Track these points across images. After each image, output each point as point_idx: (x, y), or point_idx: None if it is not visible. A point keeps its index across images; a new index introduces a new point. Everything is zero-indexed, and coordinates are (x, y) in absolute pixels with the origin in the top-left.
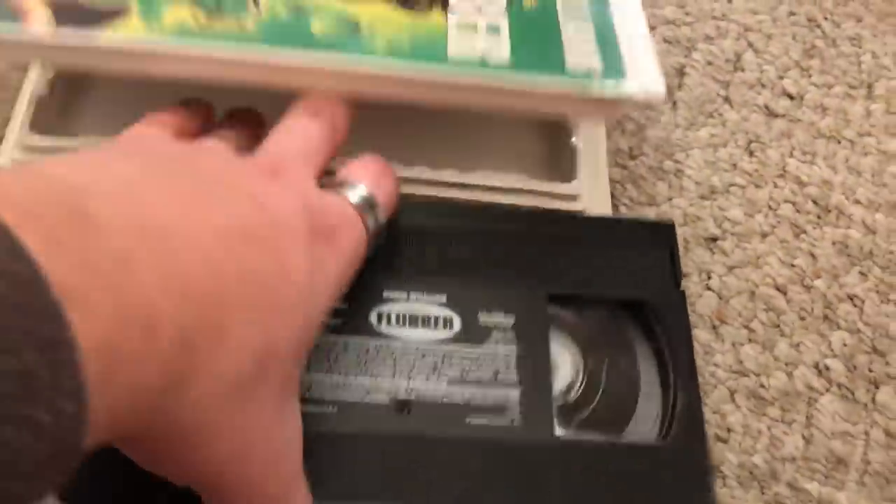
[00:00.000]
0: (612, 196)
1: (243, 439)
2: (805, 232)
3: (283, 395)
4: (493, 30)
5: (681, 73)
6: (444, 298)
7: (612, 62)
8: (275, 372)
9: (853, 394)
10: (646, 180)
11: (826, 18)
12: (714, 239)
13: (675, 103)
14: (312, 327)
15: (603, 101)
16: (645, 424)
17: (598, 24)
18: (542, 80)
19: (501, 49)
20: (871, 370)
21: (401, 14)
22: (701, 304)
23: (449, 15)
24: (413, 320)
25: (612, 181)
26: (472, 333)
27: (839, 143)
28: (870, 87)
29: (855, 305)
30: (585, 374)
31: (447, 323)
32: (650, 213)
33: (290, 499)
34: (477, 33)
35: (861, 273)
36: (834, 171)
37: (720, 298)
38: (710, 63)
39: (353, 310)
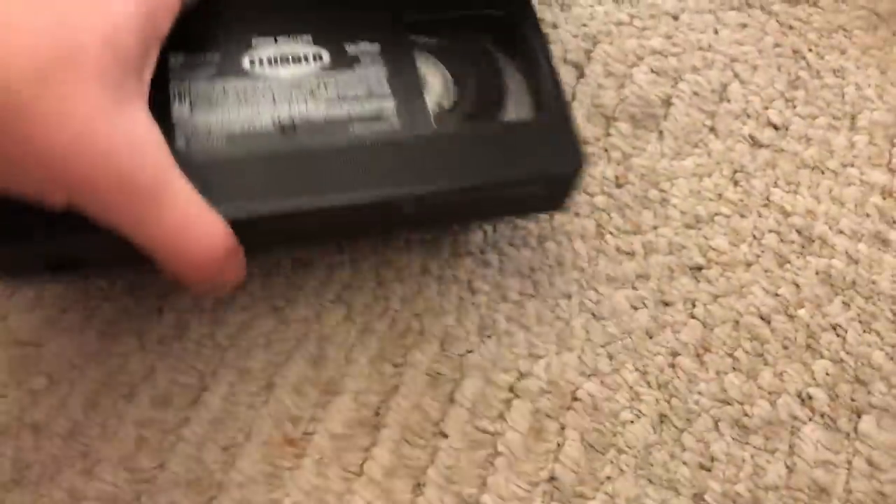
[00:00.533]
0: (597, 222)
1: (72, 127)
2: (789, 262)
3: (108, 91)
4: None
5: (667, 103)
6: (309, 38)
7: None
8: (84, 63)
9: (836, 423)
10: (631, 209)
11: (810, 50)
12: (699, 268)
13: (661, 133)
14: (124, 27)
15: None
16: (516, 114)
17: None
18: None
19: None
20: (853, 399)
21: None
22: (686, 332)
23: None
24: (284, 59)
25: (598, 209)
26: (342, 62)
27: (823, 173)
28: (853, 118)
29: (838, 335)
30: (455, 85)
31: (316, 57)
32: (636, 242)
33: (165, 187)
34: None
35: (844, 303)
36: (818, 202)
37: (704, 327)
38: (696, 93)
39: (224, 58)
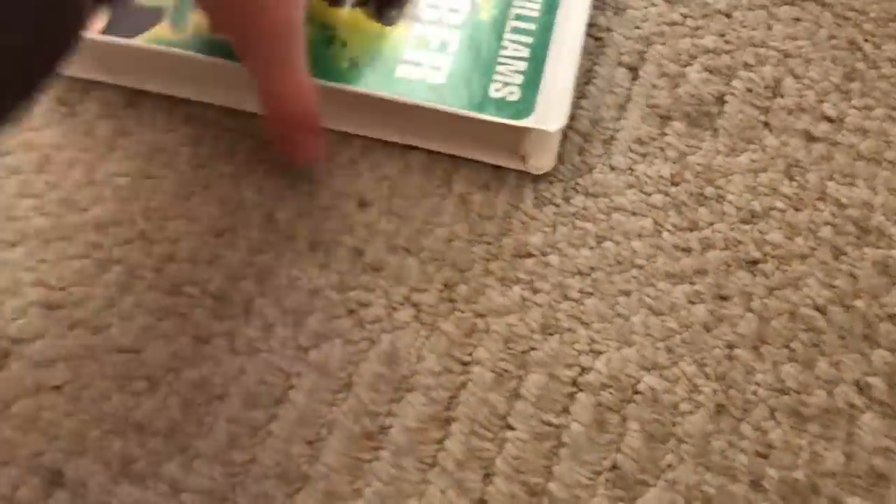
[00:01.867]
0: (654, 220)
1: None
2: (845, 253)
3: None
4: (442, 48)
5: (721, 100)
6: None
7: (527, 99)
8: None
9: (894, 410)
10: (687, 206)
11: (866, 41)
12: (755, 262)
13: (715, 130)
14: None
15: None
16: None
17: (531, 58)
18: (462, 103)
19: (440, 71)
20: None
21: (373, 26)
22: (742, 325)
23: (416, 25)
24: None
25: (655, 208)
26: None
27: (880, 164)
28: None
29: (895, 324)
30: None
31: None
32: (692, 239)
33: (300, 56)
34: (427, 51)
35: None
36: (874, 193)
37: (761, 319)
38: (749, 90)
39: None
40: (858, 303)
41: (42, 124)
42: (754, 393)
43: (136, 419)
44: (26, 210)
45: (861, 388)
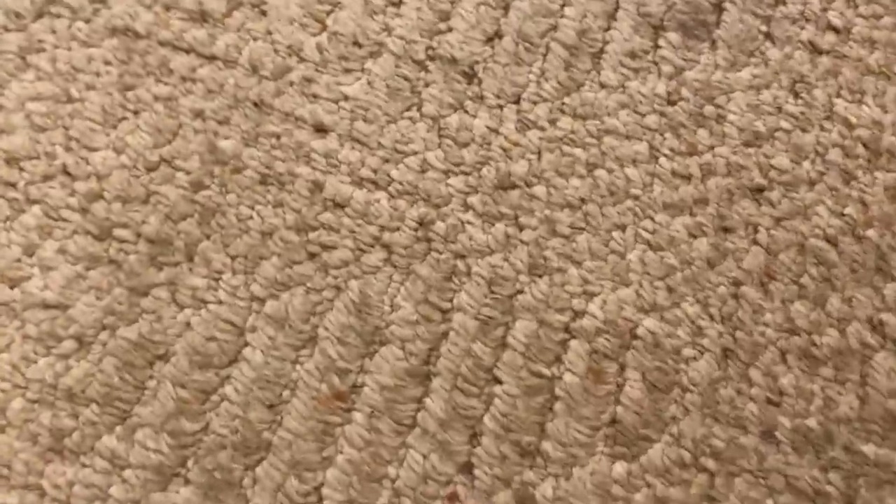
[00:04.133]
0: (649, 144)
1: None
2: (855, 178)
3: None
4: None
5: (719, 8)
6: None
7: None
8: None
9: None
10: (686, 128)
11: None
12: (760, 189)
13: (714, 42)
14: None
15: None
16: None
17: None
18: None
19: None
20: None
21: None
22: (748, 259)
23: None
24: None
25: (650, 130)
26: None
27: (890, 79)
28: None
29: None
30: None
31: None
32: (692, 164)
33: None
34: None
35: None
36: (884, 111)
37: (768, 253)
38: None
39: None
40: (871, 232)
41: None
42: (762, 334)
43: (65, 385)
44: None
45: (874, 325)
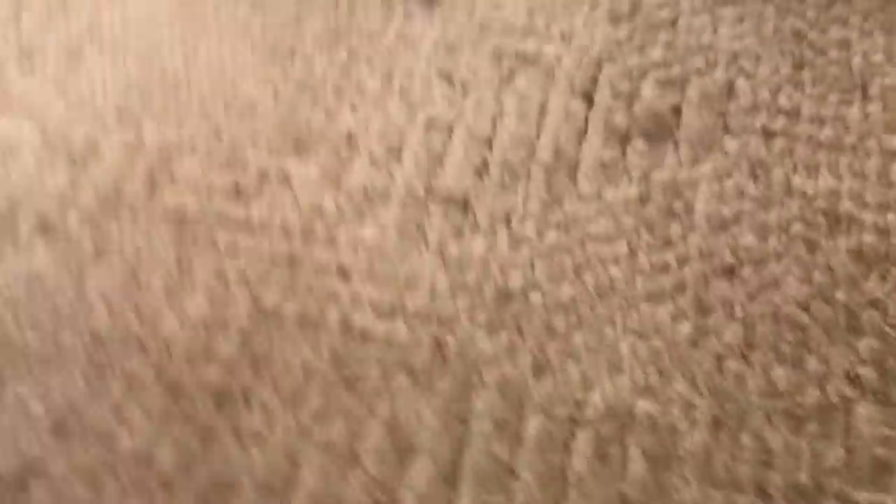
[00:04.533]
0: (628, 243)
1: None
2: (819, 246)
3: None
4: None
5: (677, 112)
6: None
7: None
8: None
9: (888, 397)
10: (658, 223)
11: (811, 27)
12: (731, 269)
13: (676, 143)
14: None
15: None
16: None
17: None
18: None
19: None
20: None
21: None
22: (728, 334)
23: None
24: None
25: (627, 230)
26: None
27: (841, 150)
28: (864, 88)
29: (878, 309)
30: None
31: None
32: (668, 255)
33: None
34: None
35: (880, 276)
36: (839, 180)
37: (745, 326)
38: (704, 96)
39: None
40: (839, 294)
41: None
42: (748, 401)
43: None
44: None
45: (852, 379)
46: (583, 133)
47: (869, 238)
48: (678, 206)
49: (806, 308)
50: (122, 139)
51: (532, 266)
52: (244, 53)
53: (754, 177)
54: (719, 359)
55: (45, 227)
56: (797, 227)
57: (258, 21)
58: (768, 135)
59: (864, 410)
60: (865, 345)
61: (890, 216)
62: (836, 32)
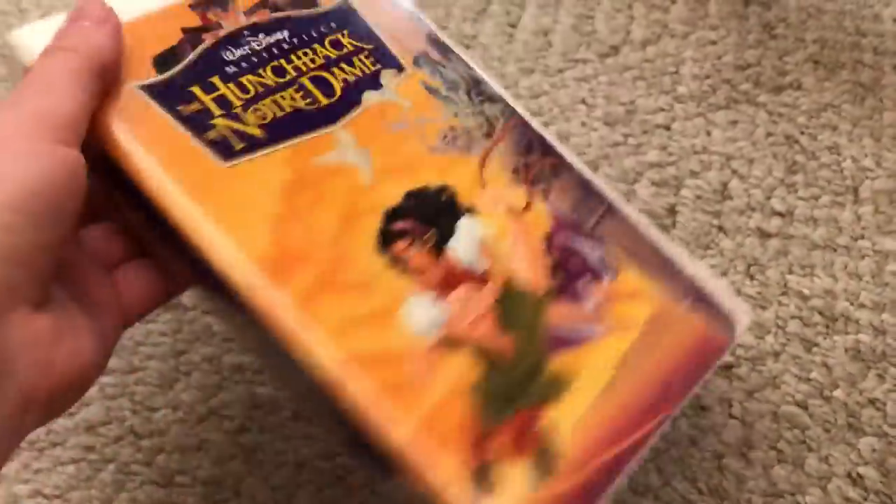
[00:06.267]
0: None
1: None
2: (816, 344)
3: None
4: None
5: (672, 211)
6: None
7: None
8: None
9: (891, 499)
10: None
11: (802, 133)
12: (729, 367)
13: (671, 241)
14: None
15: None
16: None
17: None
18: None
19: None
20: None
21: None
22: (727, 433)
23: None
24: None
25: None
26: None
27: (835, 251)
28: (855, 191)
29: (878, 409)
30: None
31: None
32: None
33: None
34: None
35: (878, 375)
36: (835, 280)
37: (744, 425)
38: (699, 197)
39: None
40: (837, 392)
41: None
42: (749, 501)
43: None
44: None
45: (854, 479)
46: None
47: (865, 338)
48: None
49: (805, 406)
50: None
51: None
52: None
53: (750, 276)
54: (718, 457)
55: None
56: (794, 326)
57: None
58: (763, 235)
59: None
60: (866, 444)
61: (885, 316)
62: (826, 137)
